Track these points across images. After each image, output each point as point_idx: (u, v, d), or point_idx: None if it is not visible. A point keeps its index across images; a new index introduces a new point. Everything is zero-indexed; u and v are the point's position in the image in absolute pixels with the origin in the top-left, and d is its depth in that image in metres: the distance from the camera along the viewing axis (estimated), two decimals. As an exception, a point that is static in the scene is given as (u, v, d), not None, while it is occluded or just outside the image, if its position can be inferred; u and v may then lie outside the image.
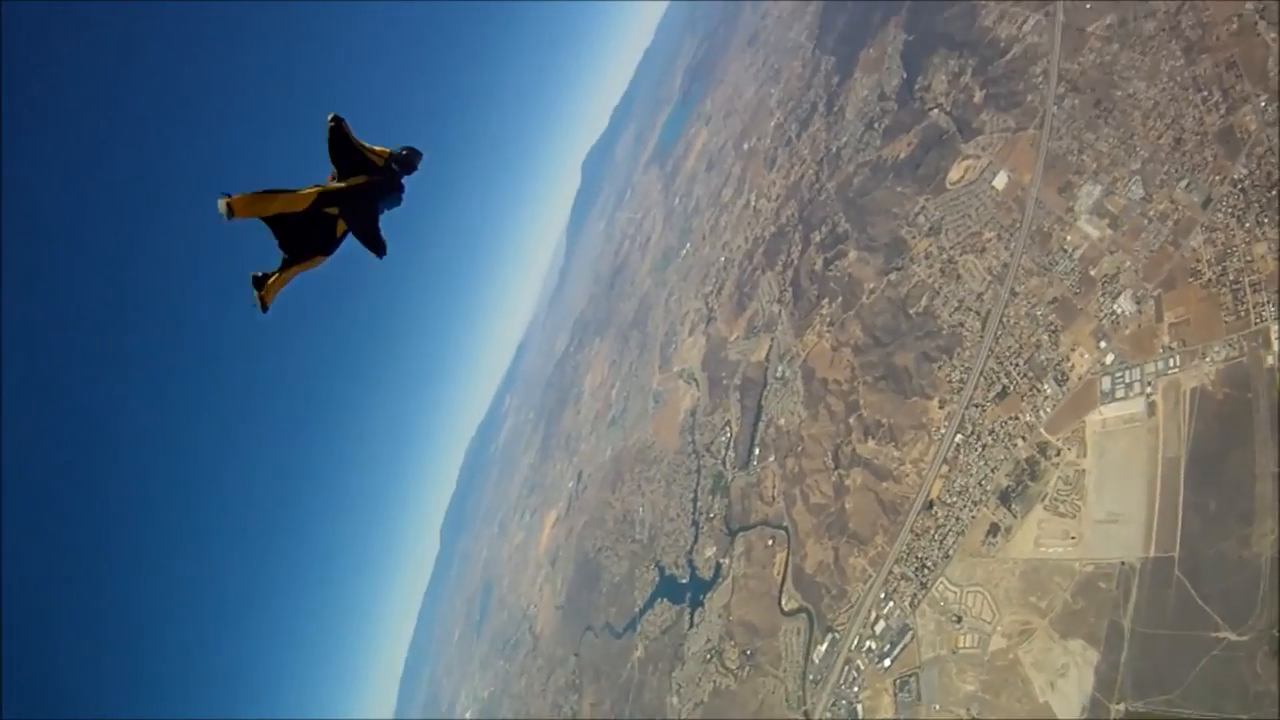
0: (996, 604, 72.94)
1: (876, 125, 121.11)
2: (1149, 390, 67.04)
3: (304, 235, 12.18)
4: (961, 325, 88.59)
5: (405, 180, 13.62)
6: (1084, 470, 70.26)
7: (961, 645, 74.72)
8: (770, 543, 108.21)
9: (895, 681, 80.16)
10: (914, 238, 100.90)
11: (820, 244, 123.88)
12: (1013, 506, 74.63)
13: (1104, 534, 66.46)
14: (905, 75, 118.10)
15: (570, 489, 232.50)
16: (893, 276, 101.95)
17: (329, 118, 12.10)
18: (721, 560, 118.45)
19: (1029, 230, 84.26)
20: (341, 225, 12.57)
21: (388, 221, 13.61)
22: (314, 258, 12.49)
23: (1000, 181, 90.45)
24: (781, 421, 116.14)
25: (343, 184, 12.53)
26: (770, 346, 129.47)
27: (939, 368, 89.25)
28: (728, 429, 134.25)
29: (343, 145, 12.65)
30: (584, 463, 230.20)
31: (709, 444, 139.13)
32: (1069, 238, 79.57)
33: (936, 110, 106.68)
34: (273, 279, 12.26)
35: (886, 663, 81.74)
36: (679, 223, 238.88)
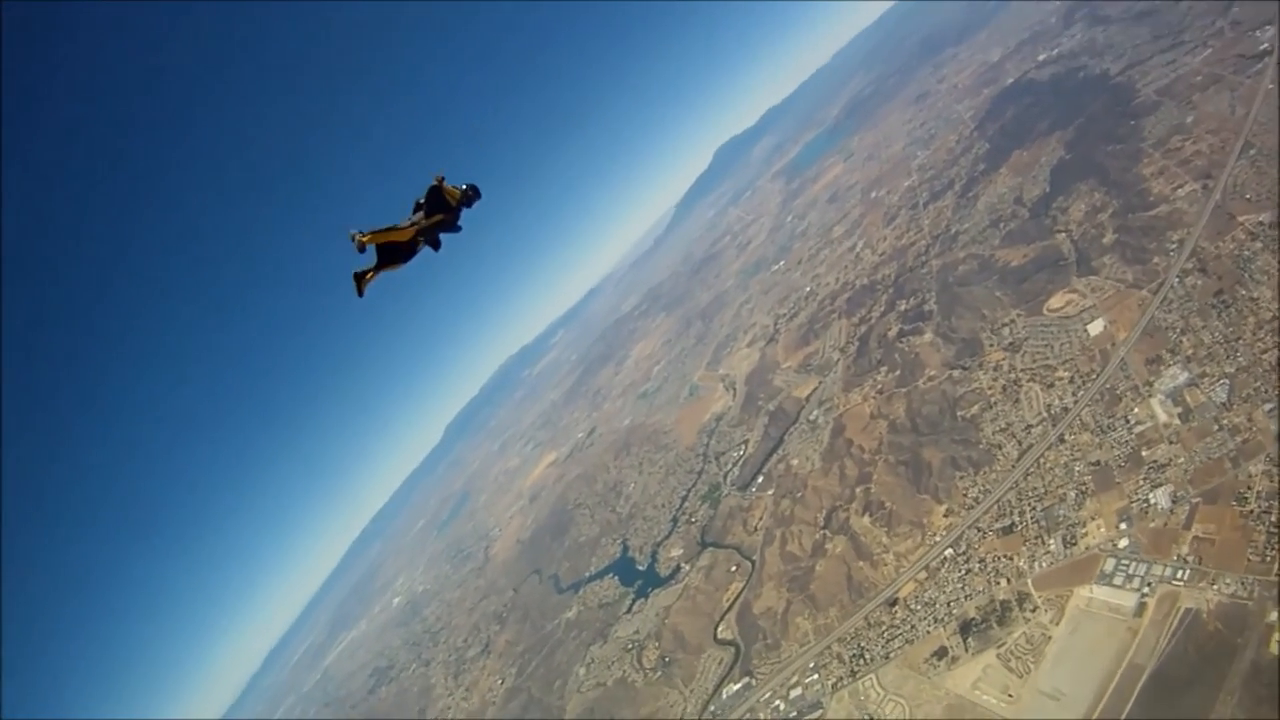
0: (912, 723, 72.16)
1: (1002, 225, 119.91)
2: (1146, 590, 64.43)
3: (397, 252, 17.59)
4: (1000, 447, 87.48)
5: (466, 211, 19.29)
6: (1051, 637, 68.44)
7: (862, 746, 73.91)
8: (734, 569, 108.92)
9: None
10: (992, 345, 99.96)
11: (902, 314, 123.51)
12: (969, 640, 73.61)
13: (1041, 706, 64.39)
14: (1049, 189, 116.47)
15: (578, 439, 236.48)
16: (956, 373, 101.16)
17: (435, 176, 18.11)
18: (683, 564, 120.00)
19: (1102, 386, 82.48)
20: (420, 243, 18.08)
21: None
22: (398, 264, 17.85)
23: (1095, 328, 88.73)
24: (795, 462, 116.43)
25: (428, 222, 18.06)
26: (816, 388, 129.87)
27: (961, 478, 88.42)
28: (743, 447, 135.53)
29: (435, 195, 18.22)
30: (601, 421, 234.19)
31: (720, 453, 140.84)
32: (1136, 410, 77.21)
33: (1064, 235, 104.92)
34: (369, 275, 17.42)
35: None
36: (782, 239, 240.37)
